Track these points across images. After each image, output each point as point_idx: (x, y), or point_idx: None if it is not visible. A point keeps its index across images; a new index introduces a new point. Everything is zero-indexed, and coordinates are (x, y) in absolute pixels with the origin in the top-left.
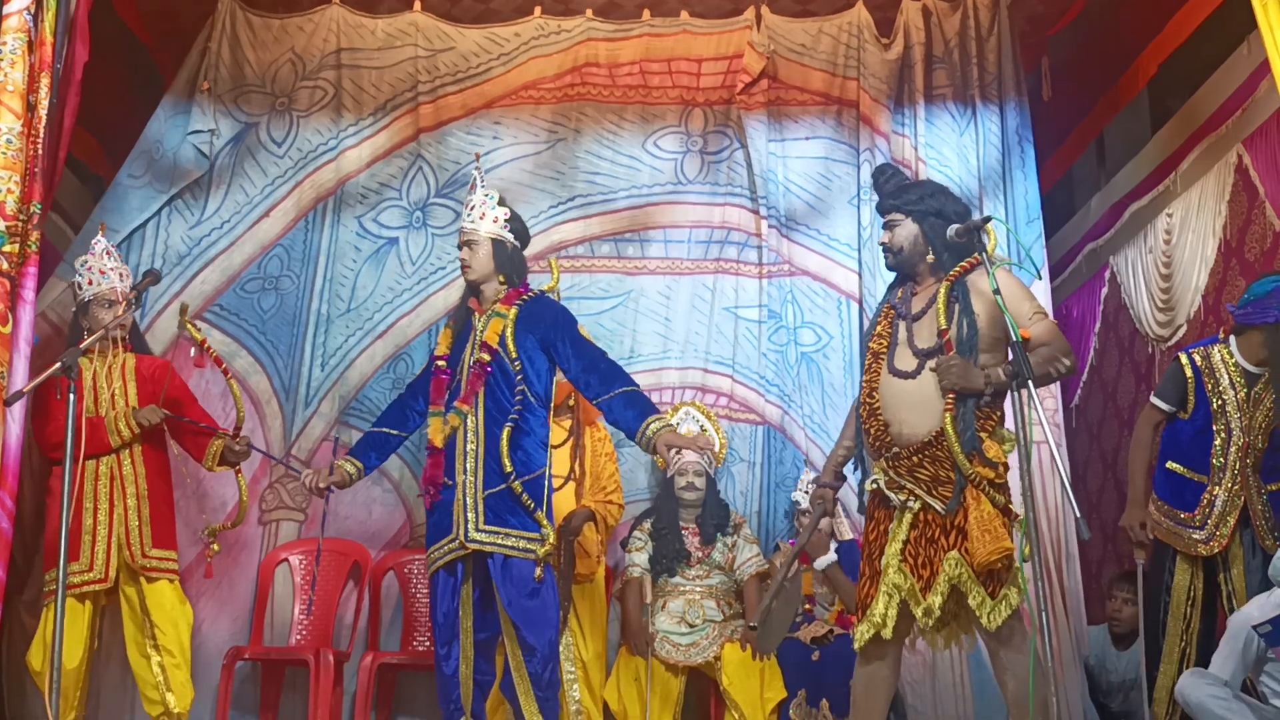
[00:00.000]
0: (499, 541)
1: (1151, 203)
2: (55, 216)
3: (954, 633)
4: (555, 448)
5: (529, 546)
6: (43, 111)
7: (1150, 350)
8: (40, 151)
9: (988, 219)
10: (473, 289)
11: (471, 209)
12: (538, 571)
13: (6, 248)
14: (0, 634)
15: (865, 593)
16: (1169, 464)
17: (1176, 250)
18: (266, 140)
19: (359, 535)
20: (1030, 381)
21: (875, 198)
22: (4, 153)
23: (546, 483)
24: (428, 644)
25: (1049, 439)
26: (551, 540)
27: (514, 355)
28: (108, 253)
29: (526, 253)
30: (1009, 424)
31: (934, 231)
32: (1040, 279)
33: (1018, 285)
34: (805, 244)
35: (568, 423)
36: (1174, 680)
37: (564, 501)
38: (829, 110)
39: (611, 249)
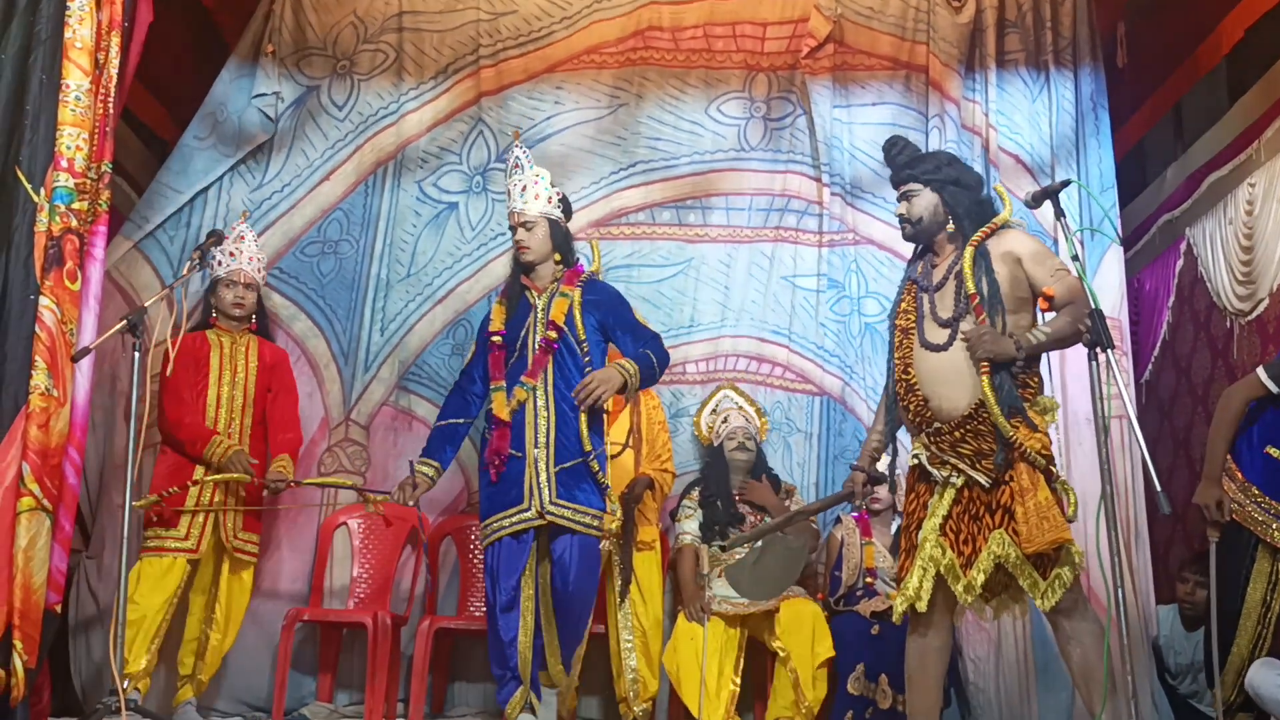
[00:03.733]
0: (571, 516)
1: (1232, 172)
2: (119, 179)
3: (1005, 602)
4: (610, 414)
5: (593, 523)
6: (112, 71)
7: (1228, 325)
8: (111, 111)
9: (1066, 182)
10: (526, 268)
11: (523, 189)
12: (603, 545)
13: (76, 205)
14: (69, 587)
15: (903, 566)
16: (1269, 449)
17: (1259, 221)
18: (328, 103)
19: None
20: (1104, 349)
21: (889, 171)
22: (73, 110)
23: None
24: (484, 609)
25: (1129, 413)
26: (618, 516)
27: (581, 336)
28: (241, 238)
29: (589, 219)
30: (1081, 398)
31: (954, 200)
32: (1118, 244)
33: (1038, 244)
34: (871, 212)
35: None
36: (1244, 662)
37: (622, 469)
38: (897, 75)
39: (673, 216)
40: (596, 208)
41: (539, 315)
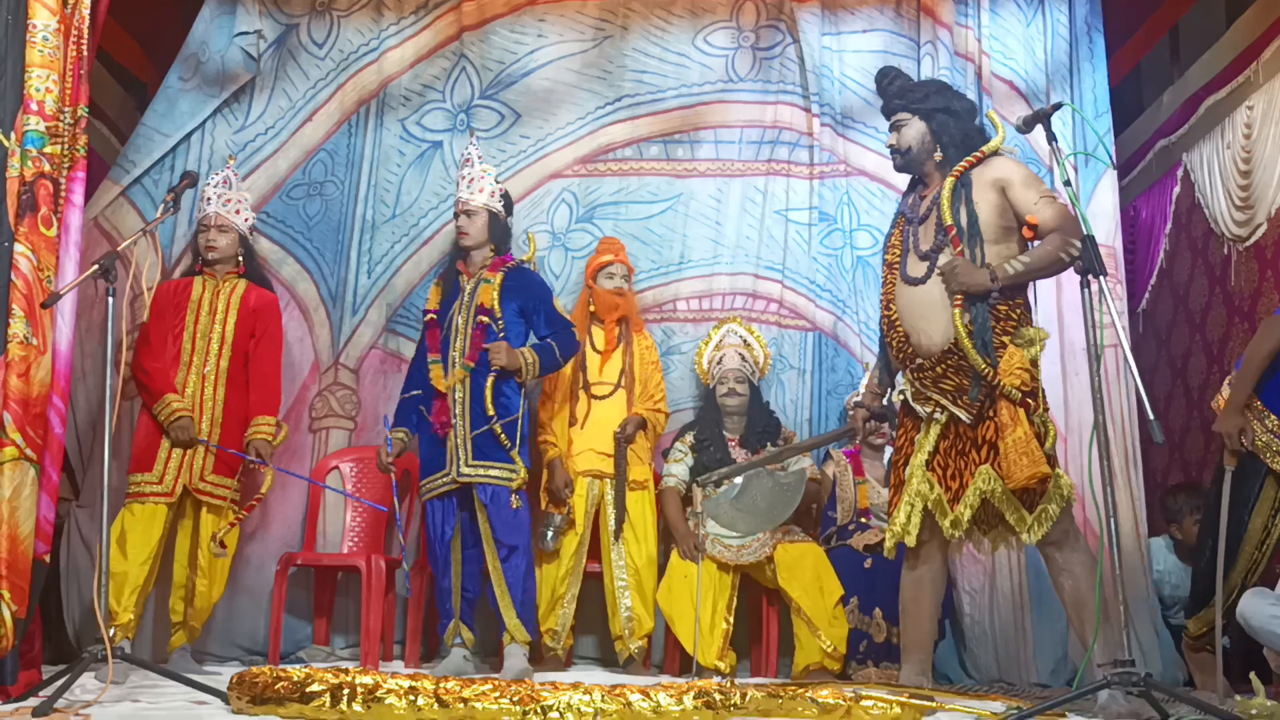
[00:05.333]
0: (484, 473)
1: (1230, 95)
2: (98, 124)
3: (1001, 534)
4: (603, 354)
5: (506, 475)
6: (84, 10)
7: (1226, 251)
8: (85, 53)
9: (1058, 105)
10: (463, 253)
11: (470, 181)
12: (514, 500)
13: (49, 149)
14: (59, 537)
15: (892, 502)
16: None
17: (1257, 145)
18: (307, 42)
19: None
20: (1096, 276)
21: (880, 102)
22: (41, 50)
23: (521, 423)
24: None
25: (1122, 342)
26: (523, 474)
27: (499, 316)
28: (225, 182)
29: (575, 156)
30: (1076, 327)
31: (942, 128)
32: (1113, 169)
33: (1025, 171)
34: (862, 143)
35: (616, 330)
36: (1235, 587)
37: (615, 409)
38: (888, 1)
39: (661, 150)
40: (582, 144)
41: (465, 299)
